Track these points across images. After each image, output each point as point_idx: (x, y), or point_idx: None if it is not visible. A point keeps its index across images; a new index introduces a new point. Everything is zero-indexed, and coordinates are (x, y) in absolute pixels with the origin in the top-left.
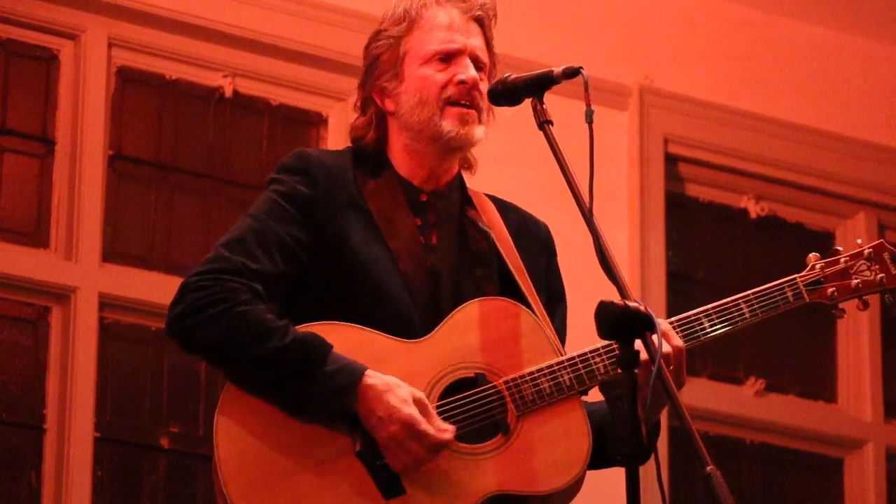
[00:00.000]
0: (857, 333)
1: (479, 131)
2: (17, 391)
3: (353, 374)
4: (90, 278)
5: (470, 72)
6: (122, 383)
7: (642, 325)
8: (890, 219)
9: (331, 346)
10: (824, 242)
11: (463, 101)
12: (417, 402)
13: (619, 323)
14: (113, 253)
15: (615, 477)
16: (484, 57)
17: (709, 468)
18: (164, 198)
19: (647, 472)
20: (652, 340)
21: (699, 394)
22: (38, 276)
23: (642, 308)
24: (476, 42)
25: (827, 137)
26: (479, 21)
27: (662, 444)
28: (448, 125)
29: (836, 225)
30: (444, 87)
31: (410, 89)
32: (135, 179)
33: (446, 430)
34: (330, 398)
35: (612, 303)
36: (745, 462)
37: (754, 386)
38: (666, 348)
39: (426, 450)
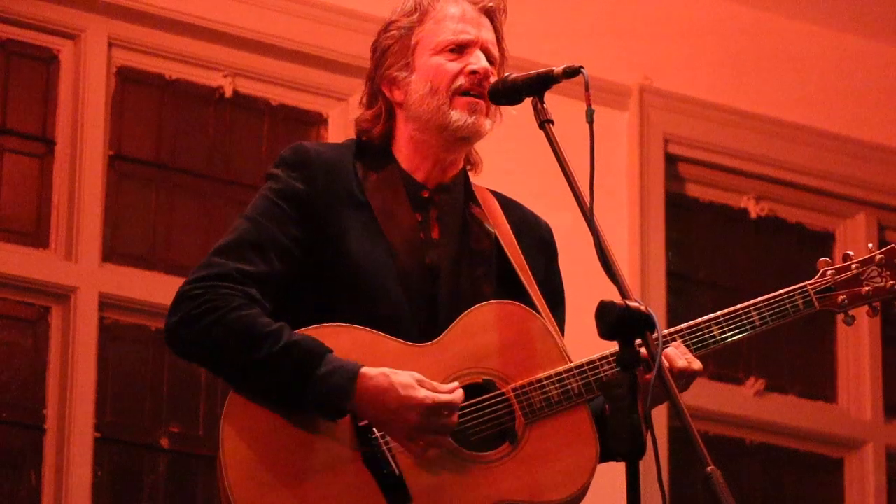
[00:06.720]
0: (857, 334)
1: (487, 123)
2: (17, 391)
3: (349, 373)
4: (90, 278)
5: (482, 62)
6: (122, 383)
7: (643, 324)
8: (890, 219)
9: (327, 349)
10: (824, 242)
11: (474, 92)
12: (418, 381)
13: (620, 323)
14: (113, 253)
15: (615, 477)
16: (495, 51)
17: (709, 468)
18: (164, 198)
19: (647, 472)
20: (652, 340)
21: (699, 394)
22: (38, 276)
23: (643, 308)
24: (487, 35)
25: (827, 137)
26: (490, 15)
27: (662, 444)
28: (456, 115)
29: (836, 225)
30: (456, 76)
31: (421, 78)
32: (135, 179)
33: (453, 390)
34: (326, 398)
35: (612, 302)
36: (745, 462)
37: (754, 386)
38: (682, 364)
39: (450, 419)
